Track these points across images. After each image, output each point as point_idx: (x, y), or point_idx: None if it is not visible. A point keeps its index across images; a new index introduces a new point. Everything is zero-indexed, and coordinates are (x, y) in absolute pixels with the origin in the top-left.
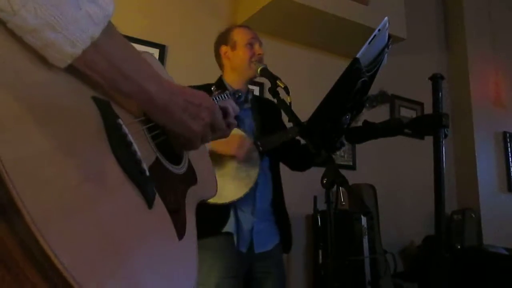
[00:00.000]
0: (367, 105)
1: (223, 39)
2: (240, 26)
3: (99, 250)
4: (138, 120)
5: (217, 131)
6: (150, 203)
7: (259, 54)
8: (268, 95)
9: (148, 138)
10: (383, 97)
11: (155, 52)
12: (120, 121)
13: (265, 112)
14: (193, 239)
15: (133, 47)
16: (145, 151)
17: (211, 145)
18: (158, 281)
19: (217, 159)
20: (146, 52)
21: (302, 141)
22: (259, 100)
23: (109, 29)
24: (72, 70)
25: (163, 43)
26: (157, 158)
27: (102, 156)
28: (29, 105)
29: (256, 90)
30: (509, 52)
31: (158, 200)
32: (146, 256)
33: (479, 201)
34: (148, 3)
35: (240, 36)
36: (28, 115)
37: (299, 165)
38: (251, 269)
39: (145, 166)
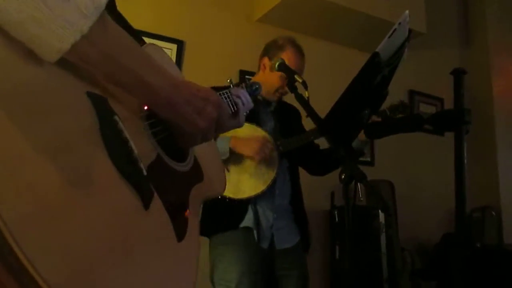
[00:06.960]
0: (388, 114)
1: (272, 51)
2: (296, 48)
3: (85, 256)
4: (138, 116)
5: (219, 130)
6: (146, 204)
7: (286, 92)
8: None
9: (149, 134)
10: (403, 108)
11: (173, 47)
12: (116, 117)
13: (287, 117)
14: (194, 240)
15: (131, 39)
16: (144, 148)
17: (232, 144)
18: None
19: (237, 155)
20: (152, 44)
21: (322, 146)
22: (282, 106)
23: (103, 20)
24: (65, 64)
25: (181, 38)
26: (158, 155)
27: (93, 155)
28: (11, 103)
29: None
30: None
31: (156, 200)
32: (139, 260)
33: (500, 199)
34: None
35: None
36: (9, 114)
37: (317, 170)
38: (273, 266)
39: (142, 164)
